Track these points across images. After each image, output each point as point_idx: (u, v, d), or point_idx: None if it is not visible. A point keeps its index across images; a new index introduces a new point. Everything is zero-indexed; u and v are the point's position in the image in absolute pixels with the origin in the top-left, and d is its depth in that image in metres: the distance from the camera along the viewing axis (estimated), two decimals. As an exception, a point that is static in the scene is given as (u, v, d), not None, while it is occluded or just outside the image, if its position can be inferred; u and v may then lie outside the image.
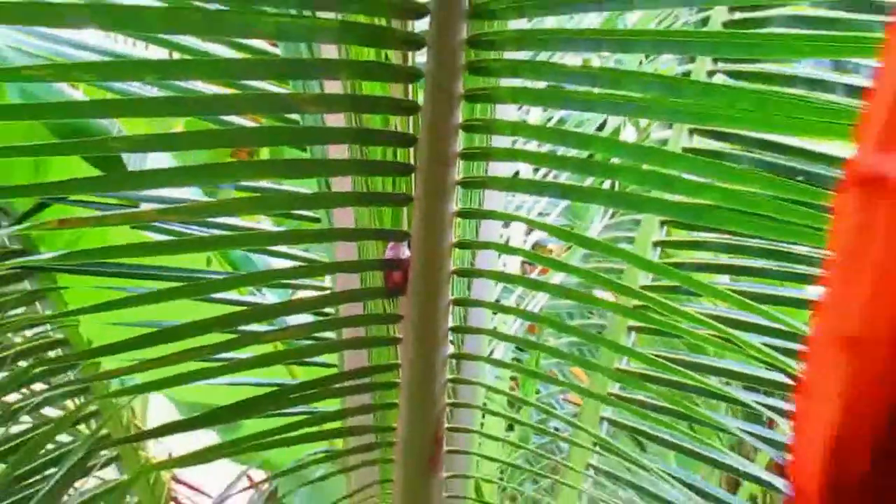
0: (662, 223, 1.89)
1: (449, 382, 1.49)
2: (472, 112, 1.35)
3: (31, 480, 1.69)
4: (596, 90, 1.34)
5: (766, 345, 1.52)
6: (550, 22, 1.47)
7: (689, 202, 1.40)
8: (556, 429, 1.93)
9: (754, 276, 1.80)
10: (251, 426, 1.65)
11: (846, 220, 0.51)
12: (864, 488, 0.50)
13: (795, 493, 0.52)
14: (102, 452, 1.78)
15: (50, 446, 1.72)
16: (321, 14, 1.33)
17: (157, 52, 1.65)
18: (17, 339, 1.70)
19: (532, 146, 1.57)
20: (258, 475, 2.09)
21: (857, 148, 0.50)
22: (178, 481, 2.28)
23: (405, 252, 1.40)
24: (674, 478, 1.76)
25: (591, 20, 1.61)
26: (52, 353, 1.75)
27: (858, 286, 0.51)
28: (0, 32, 1.61)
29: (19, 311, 1.71)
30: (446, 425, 1.51)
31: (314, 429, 1.59)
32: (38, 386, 1.75)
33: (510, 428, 1.85)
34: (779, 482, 1.84)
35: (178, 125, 2.02)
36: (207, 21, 1.32)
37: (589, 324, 1.99)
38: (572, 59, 1.60)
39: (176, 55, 1.62)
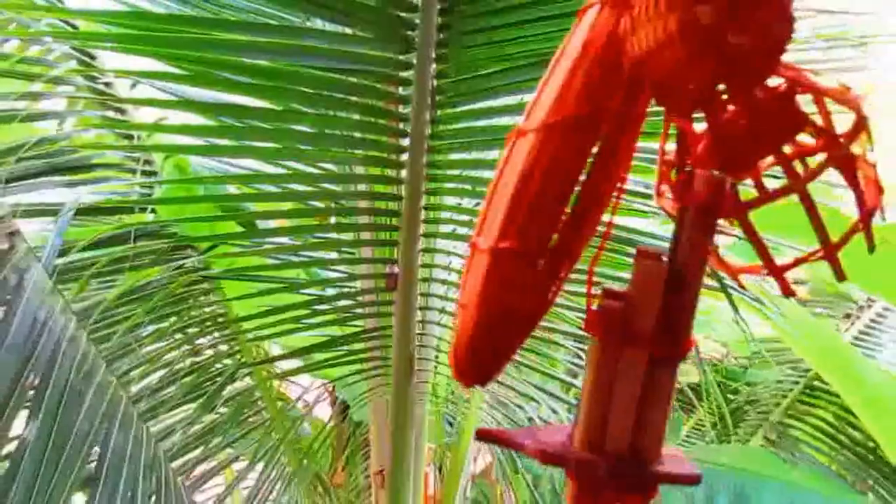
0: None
1: (417, 334, 1.48)
2: (427, 213, 1.35)
3: (205, 386, 1.68)
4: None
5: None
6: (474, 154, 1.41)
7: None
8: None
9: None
10: (319, 356, 1.61)
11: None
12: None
13: (452, 365, 0.41)
14: (242, 371, 1.76)
15: (218, 366, 1.71)
16: (356, 150, 1.34)
17: (271, 168, 1.59)
18: (206, 310, 1.68)
19: (463, 231, 1.47)
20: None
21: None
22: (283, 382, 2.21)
23: (396, 269, 1.40)
24: (535, 386, 1.76)
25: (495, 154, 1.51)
26: (219, 319, 1.72)
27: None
28: (195, 159, 1.61)
29: (202, 298, 1.69)
30: (416, 356, 1.49)
31: (351, 357, 1.58)
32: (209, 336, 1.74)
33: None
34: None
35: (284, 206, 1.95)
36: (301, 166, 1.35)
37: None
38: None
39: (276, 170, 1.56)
